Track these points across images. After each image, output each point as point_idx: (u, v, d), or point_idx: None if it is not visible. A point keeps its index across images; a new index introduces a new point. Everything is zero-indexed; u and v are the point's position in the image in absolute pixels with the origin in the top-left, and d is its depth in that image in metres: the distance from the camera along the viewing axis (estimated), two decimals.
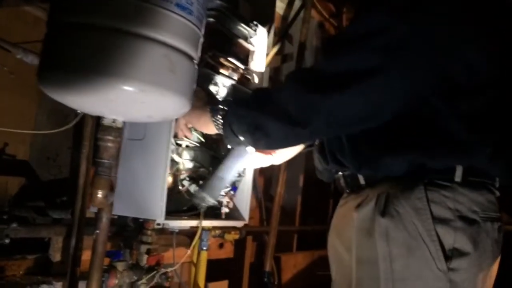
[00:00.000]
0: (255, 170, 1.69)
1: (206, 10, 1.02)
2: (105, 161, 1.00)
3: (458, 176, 1.02)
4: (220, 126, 1.16)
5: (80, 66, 0.85)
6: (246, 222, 1.64)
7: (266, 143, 1.11)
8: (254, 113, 1.08)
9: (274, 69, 2.71)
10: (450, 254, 0.98)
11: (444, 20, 0.96)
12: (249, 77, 1.63)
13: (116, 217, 1.45)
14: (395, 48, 0.95)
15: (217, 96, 1.47)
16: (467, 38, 0.99)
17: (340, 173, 1.21)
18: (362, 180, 1.14)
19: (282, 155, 1.41)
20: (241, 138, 1.13)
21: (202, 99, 1.25)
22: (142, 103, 0.90)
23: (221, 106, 1.17)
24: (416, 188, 1.02)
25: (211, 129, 1.21)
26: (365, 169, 1.11)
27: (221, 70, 1.48)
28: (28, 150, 1.65)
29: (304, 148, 1.44)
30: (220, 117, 1.16)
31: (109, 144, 0.99)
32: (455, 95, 1.01)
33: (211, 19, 1.45)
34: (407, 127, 1.03)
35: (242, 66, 1.58)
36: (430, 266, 0.98)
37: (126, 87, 0.86)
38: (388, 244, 1.02)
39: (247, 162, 1.37)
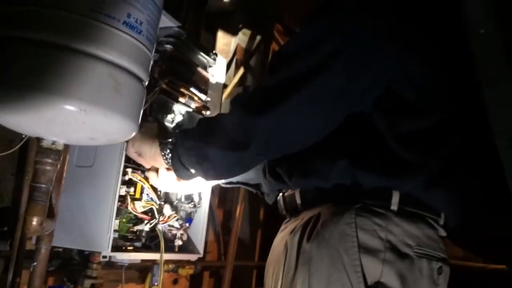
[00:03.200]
0: (212, 201, 1.64)
1: (157, 31, 1.00)
2: (42, 185, 0.93)
3: (394, 204, 0.95)
4: (169, 160, 1.13)
5: (17, 82, 0.80)
6: (201, 255, 1.58)
7: (214, 173, 1.08)
8: (199, 143, 1.05)
9: None
10: None
11: (383, 32, 0.95)
12: (206, 105, 1.61)
13: (61, 249, 1.37)
14: (331, 60, 0.93)
15: (172, 124, 1.43)
16: (409, 53, 0.98)
17: (280, 194, 1.18)
18: (298, 200, 1.08)
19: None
20: (192, 171, 1.09)
21: (152, 132, 1.22)
22: (83, 124, 0.85)
23: (169, 140, 1.14)
24: (347, 212, 0.95)
25: (161, 163, 1.17)
26: (296, 176, 1.05)
27: (178, 97, 1.45)
28: None
29: (225, 183, 1.41)
30: (169, 151, 1.12)
31: (48, 168, 0.93)
32: (397, 111, 0.97)
33: (169, 46, 1.43)
34: (342, 135, 0.99)
35: (199, 95, 1.56)
36: None
37: (66, 106, 0.81)
38: (309, 273, 0.94)
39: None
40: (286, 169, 1.08)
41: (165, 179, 1.24)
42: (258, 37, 2.58)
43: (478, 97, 0.87)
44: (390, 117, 0.98)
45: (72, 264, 1.43)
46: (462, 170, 1.02)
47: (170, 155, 1.12)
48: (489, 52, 0.76)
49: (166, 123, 1.41)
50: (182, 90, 1.47)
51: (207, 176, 1.09)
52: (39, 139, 0.94)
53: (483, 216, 1.09)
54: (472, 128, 1.04)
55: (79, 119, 0.84)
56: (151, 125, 1.25)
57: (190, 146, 1.07)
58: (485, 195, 1.05)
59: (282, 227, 1.21)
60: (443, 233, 1.02)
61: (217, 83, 1.70)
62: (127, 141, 1.23)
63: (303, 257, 0.96)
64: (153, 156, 1.18)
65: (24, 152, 1.36)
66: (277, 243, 1.18)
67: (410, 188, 0.96)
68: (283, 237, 1.12)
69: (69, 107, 0.81)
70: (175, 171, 1.13)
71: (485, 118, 0.85)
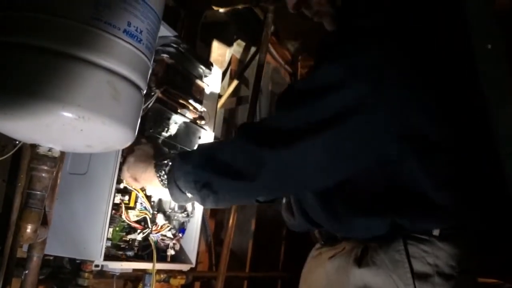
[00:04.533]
0: (206, 212, 1.64)
1: (156, 40, 1.00)
2: (38, 192, 0.92)
3: (435, 231, 1.00)
4: (164, 182, 1.12)
5: (16, 88, 0.80)
6: (193, 265, 1.57)
7: (214, 200, 1.06)
8: (199, 169, 1.04)
9: (228, 110, 2.71)
10: None
11: (406, 82, 0.97)
12: (201, 115, 1.61)
13: (51, 257, 1.36)
14: (345, 107, 0.94)
15: (167, 134, 1.43)
16: (426, 96, 1.00)
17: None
18: (338, 234, 1.11)
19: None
20: (189, 195, 1.09)
21: (147, 154, 1.21)
22: (81, 131, 0.84)
23: (165, 161, 1.13)
24: (395, 241, 0.99)
25: (155, 185, 1.17)
26: (343, 231, 1.08)
27: (173, 107, 1.46)
28: None
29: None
30: (165, 173, 1.12)
31: (43, 175, 0.92)
32: (422, 151, 1.00)
33: (165, 55, 1.44)
34: (379, 185, 1.01)
35: (195, 104, 1.56)
36: None
37: (64, 113, 0.81)
38: None
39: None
40: (328, 223, 1.09)
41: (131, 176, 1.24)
42: (253, 49, 2.59)
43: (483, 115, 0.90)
44: (417, 157, 0.99)
45: (63, 273, 1.41)
46: (483, 185, 1.07)
47: (165, 177, 1.12)
48: (496, 69, 0.77)
49: (161, 133, 1.41)
50: (178, 99, 1.47)
51: (205, 203, 1.09)
52: (34, 146, 0.94)
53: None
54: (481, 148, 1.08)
55: (76, 126, 0.83)
56: (145, 147, 1.25)
57: (189, 171, 1.06)
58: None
59: (314, 252, 1.22)
60: (475, 240, 1.06)
61: (212, 93, 1.70)
62: (121, 166, 1.23)
63: (354, 281, 1.00)
64: (147, 179, 1.18)
65: (17, 158, 1.35)
66: (312, 267, 1.19)
67: (450, 222, 1.01)
68: (320, 262, 1.14)
69: (67, 114, 0.81)
70: (171, 194, 1.12)
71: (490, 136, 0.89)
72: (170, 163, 1.11)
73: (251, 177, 0.98)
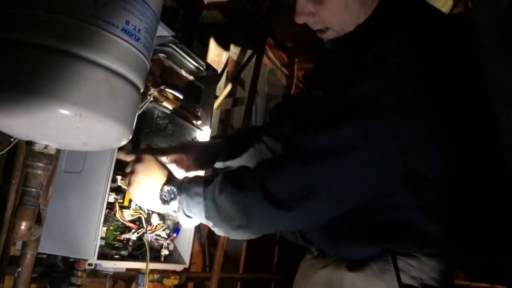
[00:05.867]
0: None
1: (154, 39, 1.00)
2: (33, 189, 0.92)
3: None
4: (171, 211, 1.14)
5: (13, 84, 0.80)
6: (187, 265, 1.57)
7: (244, 232, 1.08)
8: (208, 217, 1.07)
9: (224, 111, 2.71)
10: None
11: (409, 134, 0.99)
12: (198, 115, 1.61)
13: (44, 256, 1.35)
14: (358, 168, 0.97)
15: (163, 132, 1.43)
16: (430, 139, 1.03)
17: None
18: (331, 254, 1.16)
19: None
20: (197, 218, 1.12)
21: (156, 176, 1.17)
22: (77, 129, 0.84)
23: (172, 196, 1.13)
24: (385, 253, 1.06)
25: (157, 210, 1.22)
26: (341, 254, 1.13)
27: (169, 106, 1.46)
28: None
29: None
30: (171, 199, 1.12)
31: (39, 172, 0.92)
32: (419, 188, 1.05)
33: (163, 55, 1.44)
34: (376, 216, 1.07)
35: (191, 104, 1.56)
36: None
37: (61, 110, 0.80)
38: None
39: None
40: (328, 248, 1.15)
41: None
42: (250, 50, 2.60)
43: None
44: (415, 192, 1.05)
45: (56, 271, 1.40)
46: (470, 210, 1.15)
47: (171, 209, 1.13)
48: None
49: (157, 132, 1.42)
50: (174, 99, 1.47)
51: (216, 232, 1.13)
52: (30, 143, 0.93)
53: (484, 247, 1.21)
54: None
55: (73, 124, 0.83)
56: (146, 166, 1.19)
57: (200, 211, 1.08)
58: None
59: (308, 262, 1.25)
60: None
61: (208, 94, 1.70)
62: (126, 181, 1.23)
63: (347, 282, 1.07)
64: (150, 205, 1.20)
65: (12, 155, 1.34)
66: (305, 273, 1.24)
67: (436, 249, 1.08)
68: (313, 269, 1.19)
69: (64, 111, 0.81)
70: (181, 222, 1.15)
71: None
72: (177, 198, 1.12)
73: (260, 226, 1.06)
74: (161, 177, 1.16)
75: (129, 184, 1.20)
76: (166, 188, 1.13)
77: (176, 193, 1.12)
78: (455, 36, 1.07)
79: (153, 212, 1.41)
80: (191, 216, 1.11)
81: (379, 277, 1.04)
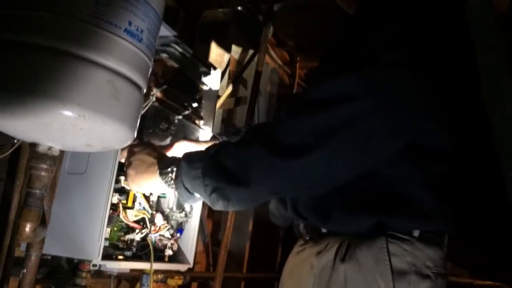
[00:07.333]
0: (203, 212, 1.64)
1: (157, 40, 1.00)
2: (37, 191, 0.92)
3: (416, 232, 1.05)
4: (172, 187, 1.11)
5: (16, 86, 0.80)
6: (191, 265, 1.57)
7: (224, 206, 1.05)
8: (207, 176, 1.03)
9: (227, 111, 2.71)
10: None
11: (418, 98, 1.00)
12: (200, 115, 1.61)
13: (49, 257, 1.35)
14: (359, 119, 0.95)
15: (166, 132, 1.43)
16: (428, 112, 1.04)
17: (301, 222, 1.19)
18: (324, 229, 1.13)
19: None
20: (197, 195, 1.09)
21: (146, 161, 1.19)
22: (81, 130, 0.84)
23: (170, 169, 1.12)
24: (378, 238, 1.04)
25: (164, 191, 1.19)
26: (331, 226, 1.11)
27: (172, 106, 1.45)
28: None
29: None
30: (171, 178, 1.11)
31: (43, 173, 0.92)
32: (419, 161, 1.04)
33: (165, 55, 1.44)
34: (375, 188, 1.05)
35: (193, 104, 1.56)
36: None
37: (64, 111, 0.80)
38: None
39: None
40: (317, 218, 1.11)
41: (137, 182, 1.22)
42: (251, 49, 2.60)
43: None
44: (413, 163, 1.04)
45: (60, 272, 1.40)
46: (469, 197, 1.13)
47: (172, 182, 1.11)
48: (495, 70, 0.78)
49: (160, 132, 1.41)
50: (177, 99, 1.47)
51: (215, 206, 1.08)
52: (34, 145, 0.93)
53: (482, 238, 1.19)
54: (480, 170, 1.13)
55: (77, 125, 0.83)
56: (141, 156, 1.21)
57: (197, 176, 1.04)
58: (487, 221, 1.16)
59: (297, 248, 1.23)
60: (445, 250, 1.12)
61: (211, 93, 1.70)
62: (125, 177, 1.23)
63: (337, 279, 1.04)
64: (154, 188, 1.18)
65: (16, 157, 1.35)
66: (296, 264, 1.21)
67: (432, 226, 1.07)
68: (304, 258, 1.16)
69: (67, 113, 0.81)
70: (180, 196, 1.11)
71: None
72: (176, 169, 1.10)
73: (261, 182, 0.99)
74: (157, 155, 1.18)
75: (127, 177, 1.21)
76: (164, 163, 1.14)
77: (175, 163, 1.11)
78: (452, 11, 1.08)
79: (157, 211, 1.41)
80: (190, 191, 1.08)
81: (374, 268, 1.02)
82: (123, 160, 1.27)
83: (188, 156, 1.10)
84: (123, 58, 0.88)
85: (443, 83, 1.06)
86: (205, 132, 1.63)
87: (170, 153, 1.33)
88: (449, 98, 1.07)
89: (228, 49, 2.52)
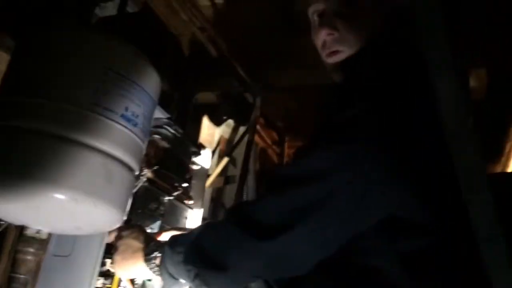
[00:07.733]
0: None
1: (151, 123, 1.03)
2: (21, 276, 0.89)
3: None
4: (157, 274, 1.08)
5: (7, 168, 0.80)
6: None
7: (225, 278, 0.99)
8: (189, 262, 1.00)
9: (216, 189, 2.70)
10: None
11: (393, 171, 0.96)
12: (190, 195, 1.61)
13: None
14: (341, 191, 0.93)
15: (155, 213, 1.42)
16: (411, 188, 0.99)
17: None
18: None
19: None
20: (182, 281, 1.05)
21: (132, 247, 1.15)
22: (72, 213, 0.84)
23: (154, 254, 1.09)
24: None
25: (146, 276, 1.15)
26: None
27: (162, 187, 1.46)
28: None
29: None
30: (156, 265, 1.08)
31: (29, 257, 0.90)
32: (394, 233, 0.99)
33: (157, 136, 1.46)
34: (348, 260, 1.00)
35: (183, 184, 1.56)
36: None
37: (56, 195, 0.80)
38: None
39: None
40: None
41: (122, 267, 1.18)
42: (241, 129, 2.65)
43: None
44: (388, 239, 0.99)
45: None
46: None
47: (157, 269, 1.08)
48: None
49: (149, 212, 1.40)
50: (167, 179, 1.48)
51: None
52: (21, 227, 0.92)
53: None
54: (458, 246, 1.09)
55: (68, 208, 0.83)
56: (128, 241, 1.16)
57: (179, 261, 1.01)
58: None
59: None
60: None
61: (201, 173, 1.72)
62: (111, 260, 1.20)
63: None
64: (140, 273, 1.14)
65: (1, 240, 1.31)
66: None
67: None
68: None
69: (60, 196, 0.81)
70: (165, 284, 1.08)
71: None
72: (159, 255, 1.08)
73: (236, 266, 0.95)
74: (144, 239, 1.14)
75: (113, 262, 1.17)
76: (149, 248, 1.11)
77: (159, 248, 1.08)
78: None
79: None
80: (175, 276, 1.04)
81: None
82: (111, 242, 1.24)
83: (172, 241, 1.08)
84: (118, 142, 0.89)
85: (419, 159, 1.05)
86: (194, 212, 1.62)
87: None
88: (426, 174, 1.06)
89: (218, 129, 2.57)
